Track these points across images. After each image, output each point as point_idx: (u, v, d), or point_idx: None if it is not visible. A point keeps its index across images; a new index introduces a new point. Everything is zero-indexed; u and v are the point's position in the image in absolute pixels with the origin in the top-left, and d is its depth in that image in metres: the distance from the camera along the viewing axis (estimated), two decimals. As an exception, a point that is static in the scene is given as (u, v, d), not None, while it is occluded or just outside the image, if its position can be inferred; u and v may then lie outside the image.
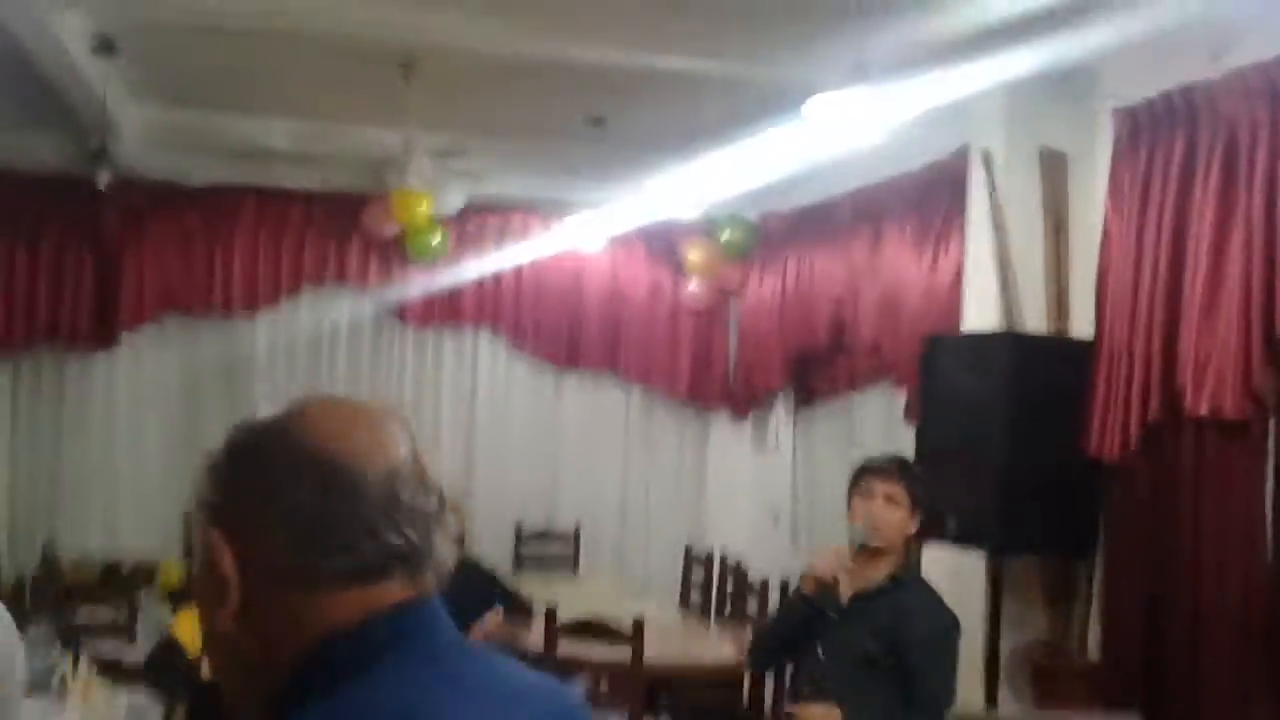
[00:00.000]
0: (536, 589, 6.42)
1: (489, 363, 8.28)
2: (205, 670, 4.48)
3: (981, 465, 4.42)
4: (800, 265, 7.33)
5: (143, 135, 6.97)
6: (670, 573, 7.86)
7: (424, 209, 7.16)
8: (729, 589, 6.85)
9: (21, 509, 7.53)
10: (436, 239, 7.56)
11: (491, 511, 8.16)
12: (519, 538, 8.20)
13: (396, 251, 7.77)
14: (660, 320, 8.35)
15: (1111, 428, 4.33)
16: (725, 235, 7.96)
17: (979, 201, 5.18)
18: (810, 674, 3.74)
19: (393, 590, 1.18)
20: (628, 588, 7.51)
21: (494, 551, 8.09)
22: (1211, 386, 3.91)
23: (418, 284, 7.98)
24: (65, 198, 7.32)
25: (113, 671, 4.67)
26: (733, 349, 8.41)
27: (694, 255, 8.08)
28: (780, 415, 7.86)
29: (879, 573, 3.67)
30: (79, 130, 6.57)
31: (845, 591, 3.69)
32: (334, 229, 7.84)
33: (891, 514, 3.65)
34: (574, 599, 5.97)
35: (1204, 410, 3.94)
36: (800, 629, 3.74)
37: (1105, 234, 4.61)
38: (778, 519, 7.80)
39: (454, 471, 8.12)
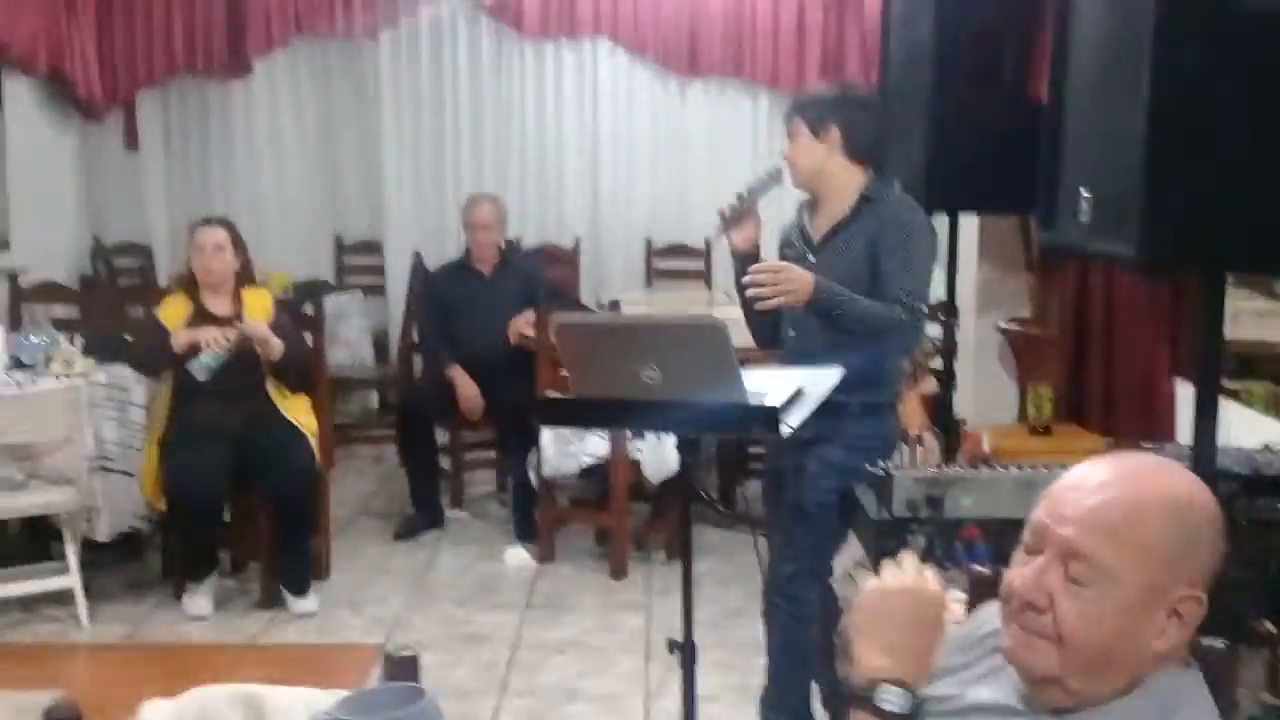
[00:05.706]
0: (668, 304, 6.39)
1: (609, 74, 8.00)
2: (177, 344, 4.71)
3: (915, 113, 3.88)
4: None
5: None
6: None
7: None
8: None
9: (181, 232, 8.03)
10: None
11: (621, 229, 8.06)
12: (649, 253, 8.06)
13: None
14: (787, 14, 7.74)
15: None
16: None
17: None
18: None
19: None
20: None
21: (625, 269, 8.06)
22: None
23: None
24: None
25: (101, 350, 4.97)
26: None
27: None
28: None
29: (843, 203, 3.44)
30: None
31: (816, 234, 3.49)
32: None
33: (794, 151, 3.47)
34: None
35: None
36: None
37: None
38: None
39: (580, 190, 8.03)
